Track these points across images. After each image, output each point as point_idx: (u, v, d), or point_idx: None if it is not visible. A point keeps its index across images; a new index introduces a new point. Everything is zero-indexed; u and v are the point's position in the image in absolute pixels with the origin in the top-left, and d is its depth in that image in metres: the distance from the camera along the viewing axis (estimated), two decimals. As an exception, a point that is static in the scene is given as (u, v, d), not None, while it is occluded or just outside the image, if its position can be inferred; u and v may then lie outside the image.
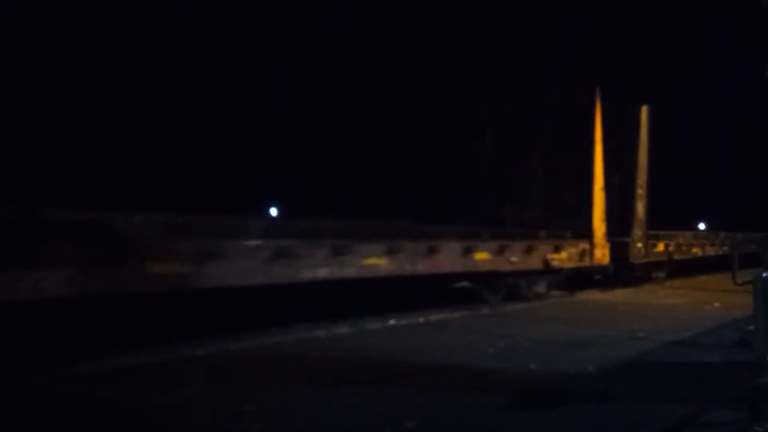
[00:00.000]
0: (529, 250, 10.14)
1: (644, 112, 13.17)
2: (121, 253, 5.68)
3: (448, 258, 8.68)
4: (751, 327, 5.95)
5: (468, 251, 8.97)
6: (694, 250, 15.72)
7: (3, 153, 5.70)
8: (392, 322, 8.03)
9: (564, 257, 10.87)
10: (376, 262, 7.87)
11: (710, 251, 15.36)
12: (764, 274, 5.21)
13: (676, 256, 14.48)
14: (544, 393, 4.97)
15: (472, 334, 7.35)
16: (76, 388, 4.81)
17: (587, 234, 11.61)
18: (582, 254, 11.37)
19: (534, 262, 10.27)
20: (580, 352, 6.33)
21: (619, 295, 11.83)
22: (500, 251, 9.54)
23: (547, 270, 10.62)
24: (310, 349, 6.40)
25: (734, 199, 20.17)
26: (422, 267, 8.32)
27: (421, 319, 8.24)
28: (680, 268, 14.97)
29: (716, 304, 10.21)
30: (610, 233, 12.00)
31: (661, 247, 14.29)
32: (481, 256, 9.19)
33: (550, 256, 10.58)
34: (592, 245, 11.65)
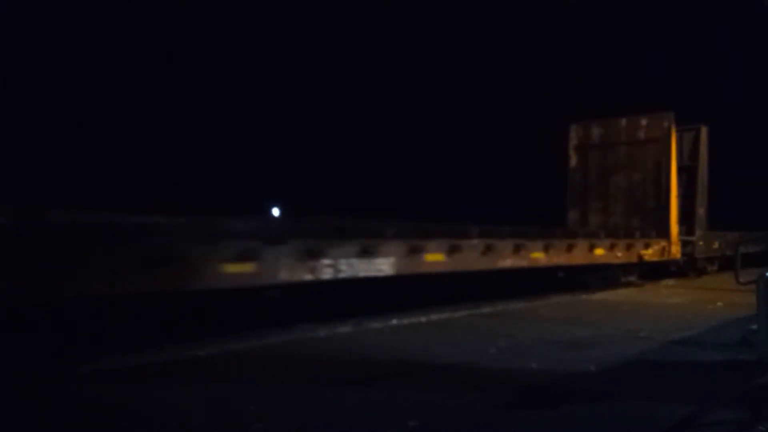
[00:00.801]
0: (628, 247, 13.07)
1: (704, 132, 15.29)
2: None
3: (580, 254, 11.76)
4: (754, 326, 5.95)
5: (591, 248, 12.10)
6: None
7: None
8: (394, 321, 8.02)
9: (650, 253, 13.72)
10: (538, 256, 10.69)
11: (752, 248, 16.68)
12: (767, 274, 5.19)
13: (727, 252, 16.61)
14: (546, 392, 4.97)
15: (473, 333, 7.33)
16: (77, 388, 4.81)
17: (666, 234, 14.31)
18: (662, 250, 14.13)
19: (631, 257, 13.19)
20: (582, 352, 6.32)
21: (621, 294, 11.81)
22: (611, 248, 12.54)
23: (639, 263, 13.45)
24: (312, 348, 6.39)
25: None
26: (563, 260, 11.40)
27: (423, 319, 8.24)
28: (727, 263, 16.49)
29: (719, 304, 10.19)
30: (668, 233, 14.51)
31: (715, 244, 16.65)
32: (599, 251, 12.27)
33: (642, 252, 13.46)
34: (669, 243, 14.34)
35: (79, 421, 4.16)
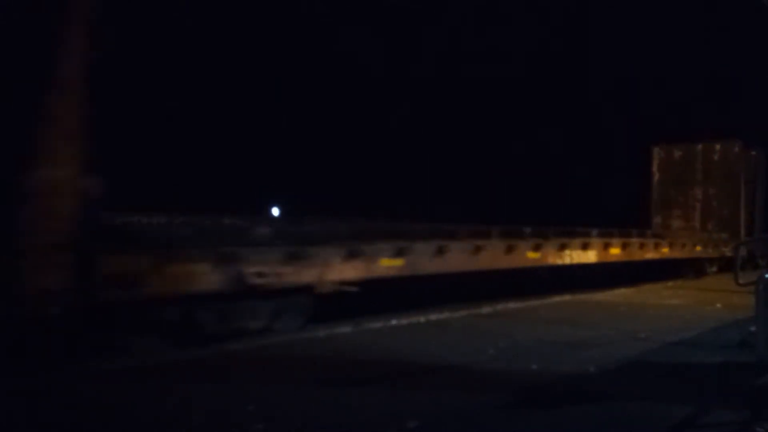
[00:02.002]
0: (715, 245, 16.70)
1: (761, 154, 18.83)
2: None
3: (676, 250, 15.06)
4: (753, 327, 5.94)
5: (693, 246, 15.86)
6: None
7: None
8: (393, 321, 8.03)
9: (727, 250, 16.46)
10: (616, 251, 12.56)
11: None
12: (766, 275, 5.19)
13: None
14: (545, 393, 4.97)
15: (472, 333, 7.33)
16: (77, 389, 4.81)
17: (737, 236, 17.46)
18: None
19: (717, 253, 16.63)
20: (581, 353, 6.32)
21: (620, 295, 11.81)
22: (705, 245, 16.27)
23: (720, 258, 16.67)
24: (311, 348, 6.39)
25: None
26: (657, 255, 14.24)
27: (422, 319, 8.23)
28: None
29: (718, 305, 10.19)
30: (739, 235, 17.79)
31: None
32: (699, 248, 15.98)
33: (723, 248, 16.76)
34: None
35: (80, 421, 4.16)
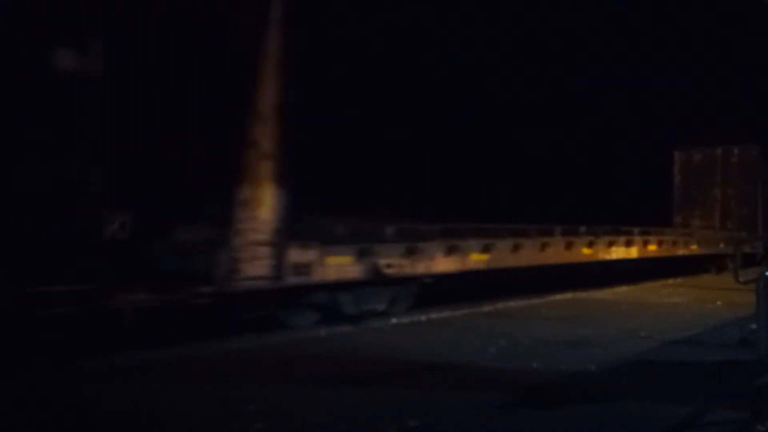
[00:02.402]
0: (735, 243, 16.73)
1: None
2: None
3: (703, 247, 16.41)
4: (754, 326, 5.94)
5: (717, 243, 17.03)
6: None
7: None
8: (394, 320, 8.03)
9: (748, 247, 16.43)
10: (653, 248, 14.27)
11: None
12: (767, 273, 5.19)
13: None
14: (546, 392, 4.97)
15: (473, 332, 7.33)
16: (78, 388, 4.82)
17: (755, 233, 18.41)
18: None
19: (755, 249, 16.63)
20: (582, 351, 6.32)
21: (621, 293, 11.80)
22: (726, 243, 16.92)
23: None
24: (312, 348, 6.40)
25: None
26: (687, 252, 15.77)
27: (423, 318, 8.24)
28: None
29: (718, 303, 10.18)
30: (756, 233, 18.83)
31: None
32: (722, 245, 16.94)
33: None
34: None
35: (79, 421, 4.17)
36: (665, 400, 4.74)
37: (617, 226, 13.26)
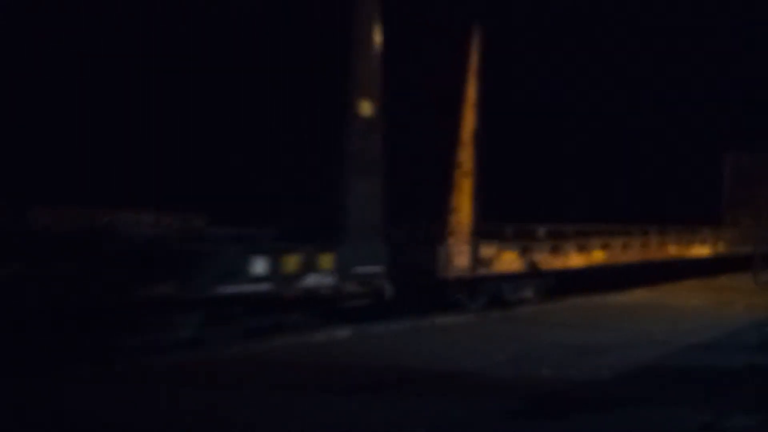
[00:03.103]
0: None
1: None
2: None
3: (759, 246, 15.65)
4: (774, 329, 5.77)
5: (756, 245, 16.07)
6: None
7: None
8: (396, 326, 7.87)
9: None
10: (722, 247, 15.70)
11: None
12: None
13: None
14: (558, 400, 4.81)
15: (481, 338, 7.17)
16: (75, 390, 4.72)
17: None
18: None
19: None
20: (596, 357, 6.14)
21: (638, 296, 11.60)
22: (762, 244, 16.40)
23: None
24: (311, 353, 6.24)
25: None
26: (749, 250, 15.44)
27: (427, 324, 8.08)
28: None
29: (737, 306, 9.97)
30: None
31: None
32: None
33: None
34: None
35: (77, 424, 4.07)
36: (682, 406, 4.58)
37: (692, 226, 15.21)
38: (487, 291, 9.53)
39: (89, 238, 5.76)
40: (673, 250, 14.12)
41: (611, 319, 8.68)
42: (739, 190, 19.95)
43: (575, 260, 11.06)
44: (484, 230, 9.23)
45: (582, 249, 11.19)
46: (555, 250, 10.53)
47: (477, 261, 9.05)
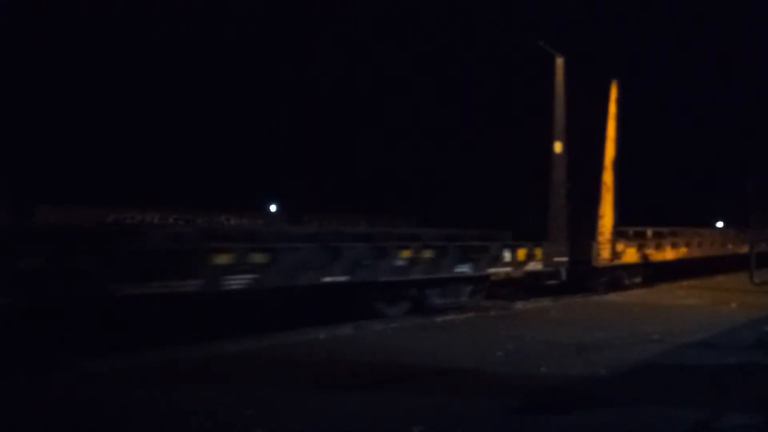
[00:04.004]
0: None
1: None
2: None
3: None
4: (769, 328, 5.80)
5: (752, 245, 17.49)
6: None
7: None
8: (396, 323, 7.90)
9: None
10: None
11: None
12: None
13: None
14: (555, 397, 4.84)
15: (479, 336, 7.21)
16: (76, 389, 4.74)
17: None
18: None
19: None
20: (593, 355, 6.18)
21: (634, 295, 11.64)
22: (758, 244, 18.00)
23: None
24: (312, 351, 6.27)
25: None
26: None
27: (427, 321, 8.11)
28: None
29: (733, 305, 10.00)
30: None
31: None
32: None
33: None
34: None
35: (77, 423, 4.09)
36: (678, 405, 4.60)
37: (742, 228, 18.23)
38: (611, 276, 12.69)
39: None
40: (730, 248, 17.34)
41: (608, 318, 8.70)
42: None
43: (669, 254, 14.93)
44: (617, 232, 12.51)
45: (674, 246, 15.10)
46: (658, 247, 14.32)
47: (614, 254, 12.39)
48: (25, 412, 4.31)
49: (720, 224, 22.80)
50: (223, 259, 6.36)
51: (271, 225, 10.11)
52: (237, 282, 6.49)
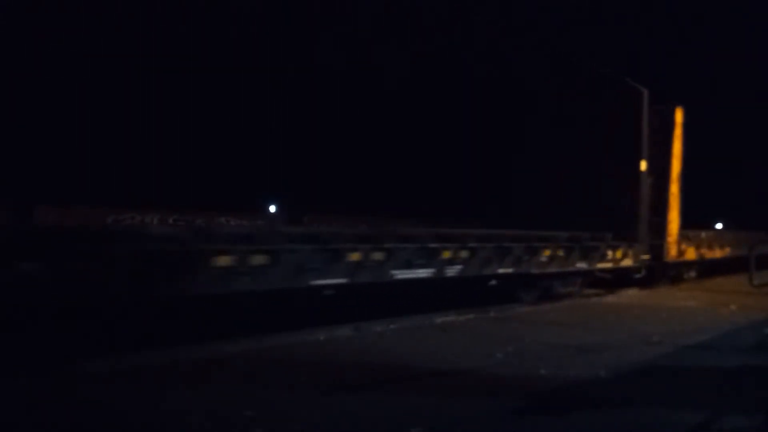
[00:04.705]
0: None
1: None
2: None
3: None
4: (768, 330, 5.80)
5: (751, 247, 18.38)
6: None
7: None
8: (395, 325, 7.90)
9: None
10: None
11: None
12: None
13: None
14: (555, 399, 4.84)
15: (479, 337, 7.20)
16: (75, 390, 4.73)
17: None
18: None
19: None
20: (592, 357, 6.18)
21: (633, 297, 11.65)
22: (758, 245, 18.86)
23: None
24: (312, 352, 6.26)
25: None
26: None
27: (426, 322, 8.11)
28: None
29: (732, 307, 10.00)
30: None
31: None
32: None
33: None
34: None
35: (77, 423, 4.09)
36: (678, 406, 4.61)
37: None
38: (676, 271, 14.93)
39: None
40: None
41: (607, 320, 8.70)
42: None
43: (717, 253, 16.94)
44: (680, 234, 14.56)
45: (721, 246, 17.21)
46: (709, 247, 16.40)
47: (680, 253, 14.51)
48: (25, 412, 4.30)
49: (719, 225, 23.03)
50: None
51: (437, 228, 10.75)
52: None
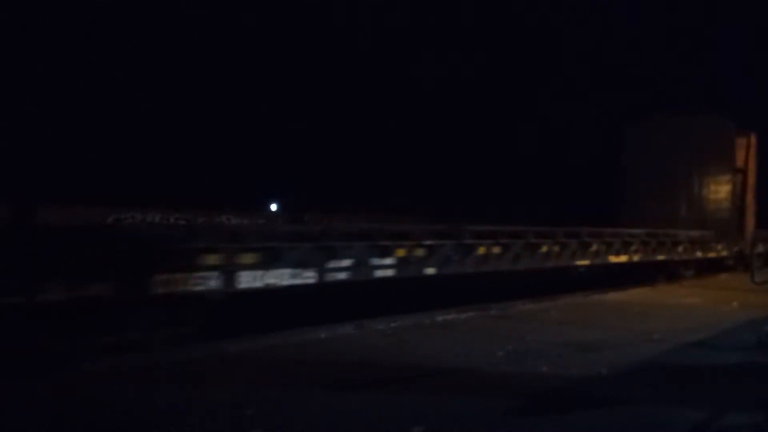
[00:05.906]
0: None
1: None
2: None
3: None
4: (770, 328, 5.80)
5: (752, 243, 20.25)
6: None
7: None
8: (397, 323, 7.89)
9: None
10: None
11: None
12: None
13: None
14: (556, 397, 4.84)
15: (480, 336, 7.20)
16: (75, 389, 4.74)
17: None
18: None
19: None
20: (594, 355, 6.17)
21: (634, 294, 11.63)
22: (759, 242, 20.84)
23: None
24: (313, 350, 6.26)
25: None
26: None
27: (428, 320, 8.11)
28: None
29: (734, 304, 9.99)
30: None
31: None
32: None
33: None
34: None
35: (76, 422, 4.09)
36: (679, 404, 4.60)
37: None
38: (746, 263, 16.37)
39: None
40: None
41: (608, 318, 8.69)
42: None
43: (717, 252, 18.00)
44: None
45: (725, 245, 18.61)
46: (718, 245, 17.30)
47: (753, 248, 15.58)
48: (25, 412, 4.30)
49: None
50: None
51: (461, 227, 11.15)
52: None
